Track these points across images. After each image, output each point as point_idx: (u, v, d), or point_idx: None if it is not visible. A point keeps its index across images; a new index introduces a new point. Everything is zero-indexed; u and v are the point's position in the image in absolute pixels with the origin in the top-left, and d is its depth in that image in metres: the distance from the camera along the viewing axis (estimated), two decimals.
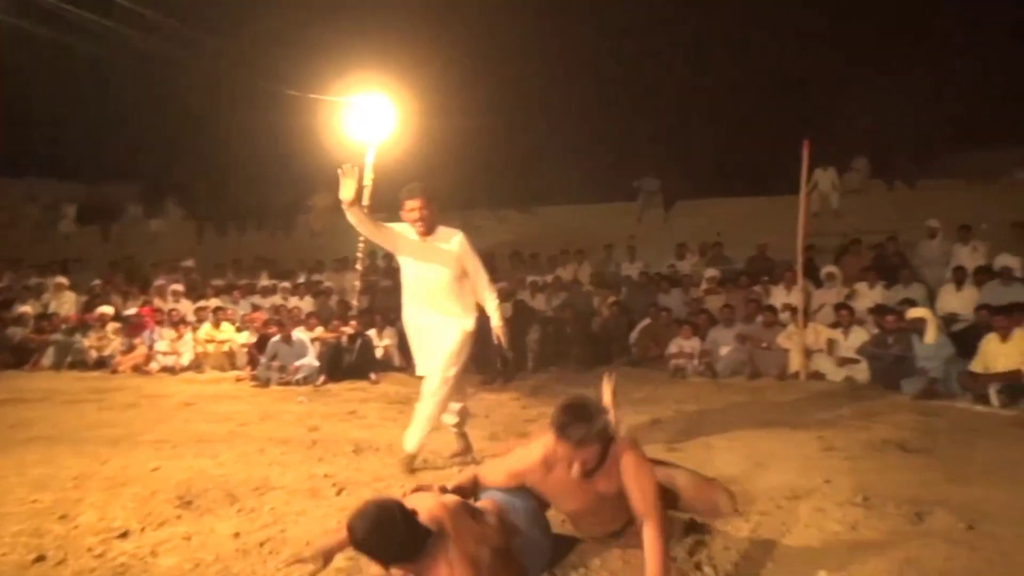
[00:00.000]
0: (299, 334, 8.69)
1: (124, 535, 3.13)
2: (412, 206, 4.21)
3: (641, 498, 2.62)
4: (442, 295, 4.31)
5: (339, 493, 3.78)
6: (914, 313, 7.03)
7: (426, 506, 2.43)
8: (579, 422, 2.58)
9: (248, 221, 17.63)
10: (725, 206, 14.69)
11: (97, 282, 12.46)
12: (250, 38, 12.81)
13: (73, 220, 18.04)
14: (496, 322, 4.41)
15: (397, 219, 4.35)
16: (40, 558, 2.87)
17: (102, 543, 3.04)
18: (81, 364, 9.77)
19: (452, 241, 4.32)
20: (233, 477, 4.03)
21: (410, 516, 2.32)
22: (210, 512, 3.43)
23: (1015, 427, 5.42)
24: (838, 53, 16.46)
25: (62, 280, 11.98)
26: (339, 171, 4.16)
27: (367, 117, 9.74)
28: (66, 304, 11.59)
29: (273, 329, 9.01)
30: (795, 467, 4.36)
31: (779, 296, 9.42)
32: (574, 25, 16.05)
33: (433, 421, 4.33)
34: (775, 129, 16.11)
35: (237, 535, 3.13)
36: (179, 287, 11.64)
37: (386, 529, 2.25)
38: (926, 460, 4.55)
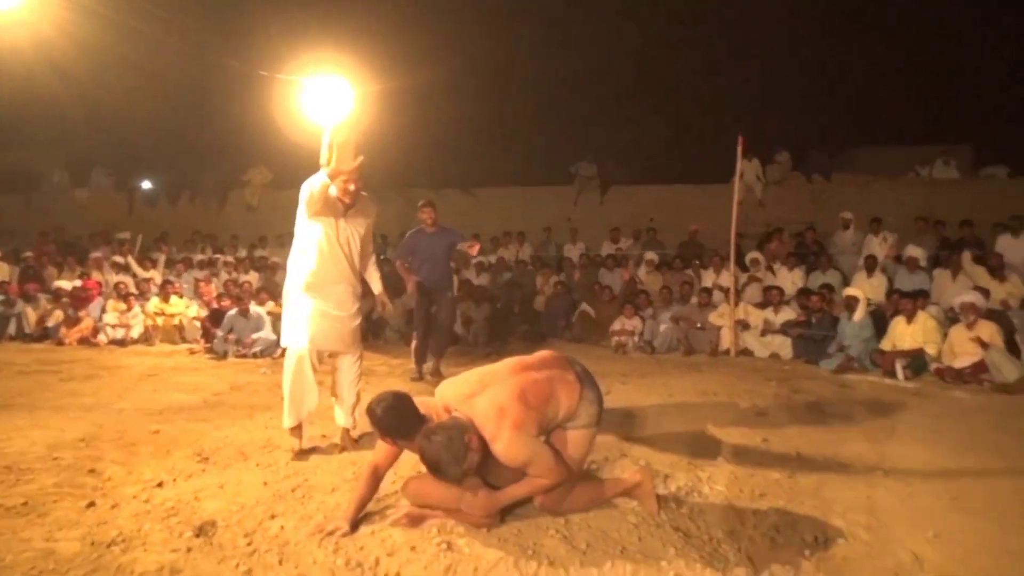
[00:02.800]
0: (255, 308, 8.86)
1: (160, 485, 3.42)
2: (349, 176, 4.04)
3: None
4: (354, 267, 4.20)
5: (341, 451, 4.13)
6: (850, 292, 7.81)
7: (427, 402, 3.15)
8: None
9: (181, 193, 17.30)
10: (657, 193, 15.42)
11: (29, 253, 12.15)
12: (193, 8, 12.60)
13: None
14: (379, 289, 4.56)
15: None
16: (91, 504, 3.15)
17: (143, 491, 3.33)
18: (21, 336, 9.66)
19: (371, 211, 4.31)
20: (237, 438, 4.32)
21: (414, 404, 3.03)
22: (231, 466, 3.74)
23: (917, 397, 6.23)
24: (764, 49, 17.43)
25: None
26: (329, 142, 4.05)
27: (324, 99, 9.97)
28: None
29: (228, 303, 9.14)
30: (733, 430, 4.96)
31: (709, 279, 10.15)
32: (516, 12, 16.39)
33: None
34: (705, 122, 17.01)
35: (266, 484, 3.46)
36: (120, 259, 11.52)
37: (397, 409, 2.98)
38: (844, 423, 5.23)
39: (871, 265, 9.15)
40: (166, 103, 16.18)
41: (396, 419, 2.96)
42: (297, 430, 4.02)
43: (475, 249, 6.71)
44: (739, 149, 8.84)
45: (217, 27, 13.42)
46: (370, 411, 2.99)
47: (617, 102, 17.63)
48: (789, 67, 17.52)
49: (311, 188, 3.94)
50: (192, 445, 4.15)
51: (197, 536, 2.83)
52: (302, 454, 3.94)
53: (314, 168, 4.56)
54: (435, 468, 2.81)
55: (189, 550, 2.69)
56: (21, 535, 2.81)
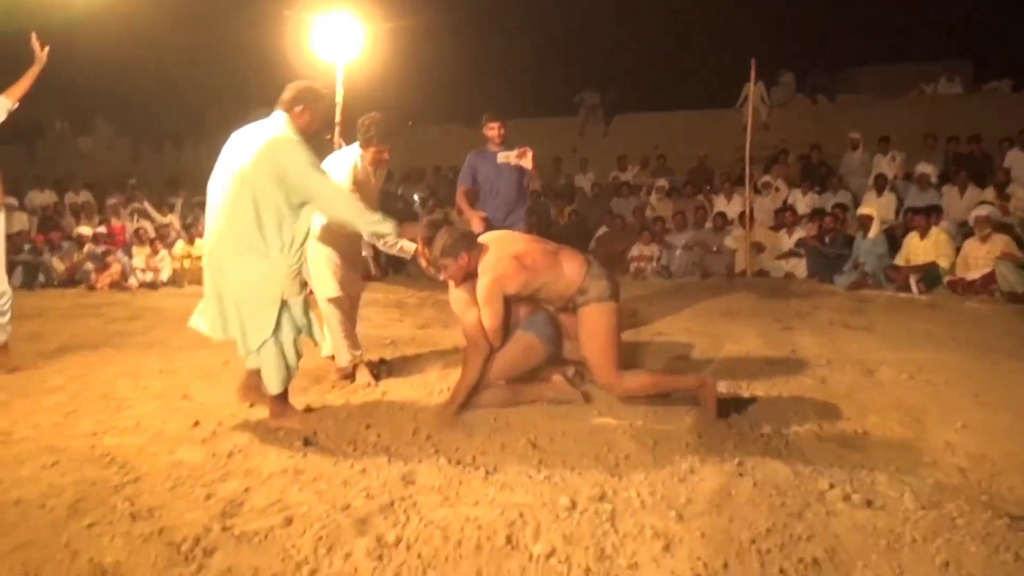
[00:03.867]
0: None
1: (252, 405, 3.70)
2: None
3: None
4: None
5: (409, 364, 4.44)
6: (864, 210, 8.06)
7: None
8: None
9: (185, 138, 17.28)
10: (662, 120, 15.47)
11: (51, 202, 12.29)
12: None
13: None
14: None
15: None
16: (196, 423, 3.44)
17: (239, 412, 3.62)
18: (50, 284, 9.89)
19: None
20: (304, 366, 4.57)
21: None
22: (309, 390, 4.04)
23: (931, 308, 6.56)
24: None
25: (12, 201, 11.74)
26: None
27: (334, 37, 9.91)
28: (18, 225, 11.44)
29: None
30: (761, 343, 5.27)
31: (720, 204, 10.37)
32: None
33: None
34: (707, 45, 16.89)
35: (348, 402, 3.78)
36: (139, 205, 11.66)
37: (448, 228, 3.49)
38: (866, 334, 5.55)
39: (881, 184, 9.35)
40: (167, 47, 16.01)
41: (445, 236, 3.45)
42: (359, 364, 4.25)
43: (527, 159, 5.46)
44: (752, 72, 8.94)
45: None
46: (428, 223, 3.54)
47: (618, 29, 17.45)
48: None
49: (344, 185, 3.84)
50: None
51: (305, 444, 3.13)
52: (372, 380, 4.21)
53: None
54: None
55: (304, 455, 2.99)
56: (146, 450, 3.11)
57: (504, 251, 3.44)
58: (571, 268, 3.45)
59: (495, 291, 3.38)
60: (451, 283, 3.55)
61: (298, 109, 3.31)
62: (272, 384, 3.34)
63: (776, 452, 3.08)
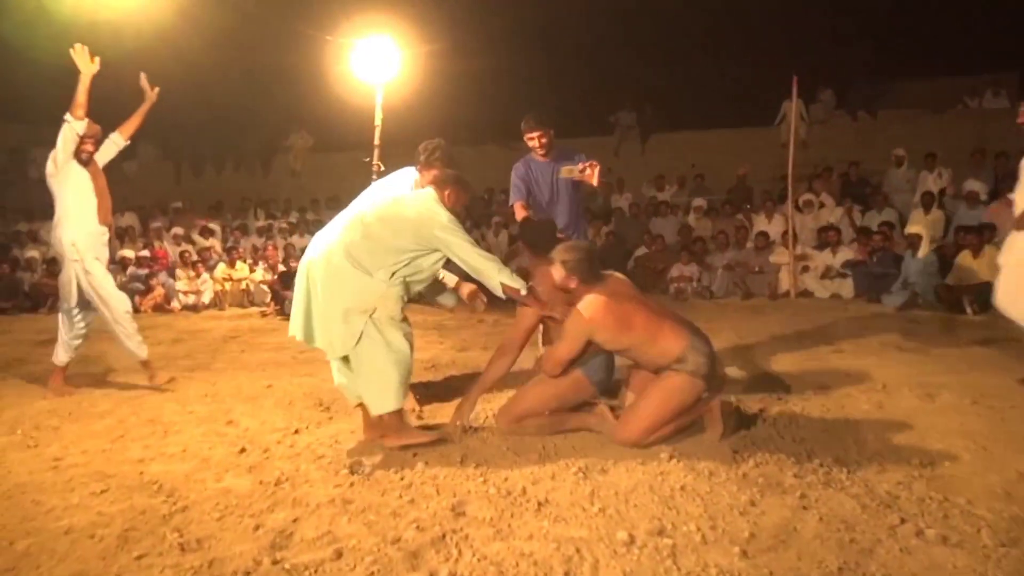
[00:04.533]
0: None
1: (297, 432, 3.69)
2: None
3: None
4: None
5: (450, 388, 4.39)
6: (912, 229, 7.85)
7: None
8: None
9: (225, 161, 17.59)
10: (699, 138, 15.34)
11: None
12: None
13: (42, 164, 17.62)
14: None
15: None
16: (243, 450, 3.42)
17: (284, 438, 3.60)
18: None
19: None
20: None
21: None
22: (354, 414, 3.96)
23: (988, 329, 6.31)
24: None
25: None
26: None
27: (373, 59, 10.02)
28: None
29: (295, 264, 9.42)
30: (811, 365, 5.12)
31: (761, 223, 10.19)
32: None
33: None
34: (743, 63, 16.73)
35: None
36: (179, 230, 11.86)
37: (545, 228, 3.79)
38: (921, 357, 5.36)
39: (928, 202, 9.12)
40: (208, 70, 16.33)
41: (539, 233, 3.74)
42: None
43: (593, 173, 4.54)
44: (794, 89, 8.82)
45: None
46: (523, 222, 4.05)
47: (654, 49, 17.39)
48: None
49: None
50: (309, 397, 4.42)
51: (352, 473, 3.08)
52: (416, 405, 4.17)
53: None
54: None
55: (351, 485, 2.95)
56: (194, 477, 3.10)
57: (611, 299, 3.42)
58: (670, 342, 3.38)
59: (582, 331, 3.37)
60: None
61: (447, 192, 3.50)
62: (379, 402, 3.34)
63: (839, 483, 2.95)
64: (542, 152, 4.75)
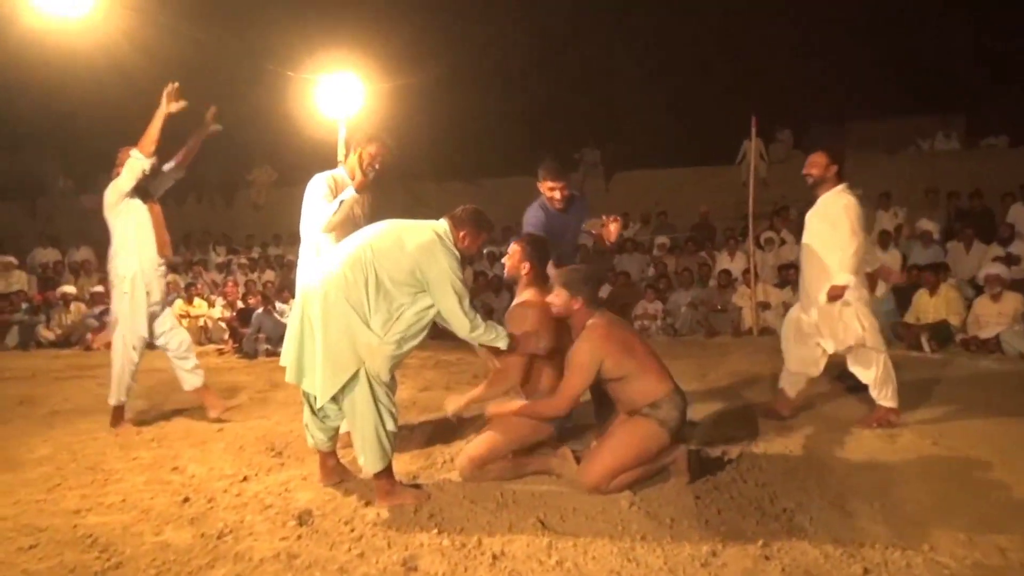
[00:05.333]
0: (281, 305, 8.95)
1: (245, 479, 3.53)
2: None
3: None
4: None
5: (411, 431, 4.26)
6: (869, 268, 7.91)
7: None
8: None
9: (187, 194, 17.31)
10: (662, 176, 15.53)
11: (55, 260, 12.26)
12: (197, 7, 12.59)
13: None
14: None
15: None
16: (186, 499, 3.26)
17: (231, 486, 3.44)
18: (43, 343, 9.73)
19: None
20: (301, 432, 4.42)
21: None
22: (306, 459, 3.84)
23: (945, 367, 6.39)
24: (760, 27, 17.46)
25: (10, 259, 11.68)
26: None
27: (336, 95, 9.97)
28: (16, 283, 11.36)
29: (253, 301, 9.23)
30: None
31: (723, 261, 10.29)
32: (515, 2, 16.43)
33: None
34: (704, 103, 17.07)
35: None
36: None
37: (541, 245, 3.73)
38: None
39: (885, 240, 9.29)
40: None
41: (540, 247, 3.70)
42: None
43: (613, 229, 4.37)
44: (752, 129, 8.98)
45: (220, 24, 13.41)
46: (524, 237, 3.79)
47: (617, 87, 17.69)
48: (785, 43, 17.57)
49: (337, 210, 3.85)
50: (261, 441, 4.26)
51: (300, 524, 2.94)
52: None
53: (319, 166, 4.44)
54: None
55: (299, 537, 2.81)
56: (132, 530, 2.93)
57: (613, 323, 3.43)
58: (654, 382, 3.38)
59: (595, 356, 3.32)
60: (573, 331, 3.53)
61: (462, 233, 3.39)
62: (373, 462, 3.17)
63: (801, 530, 2.90)
64: (561, 204, 4.29)
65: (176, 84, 4.62)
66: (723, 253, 10.42)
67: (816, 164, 4.47)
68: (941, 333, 7.01)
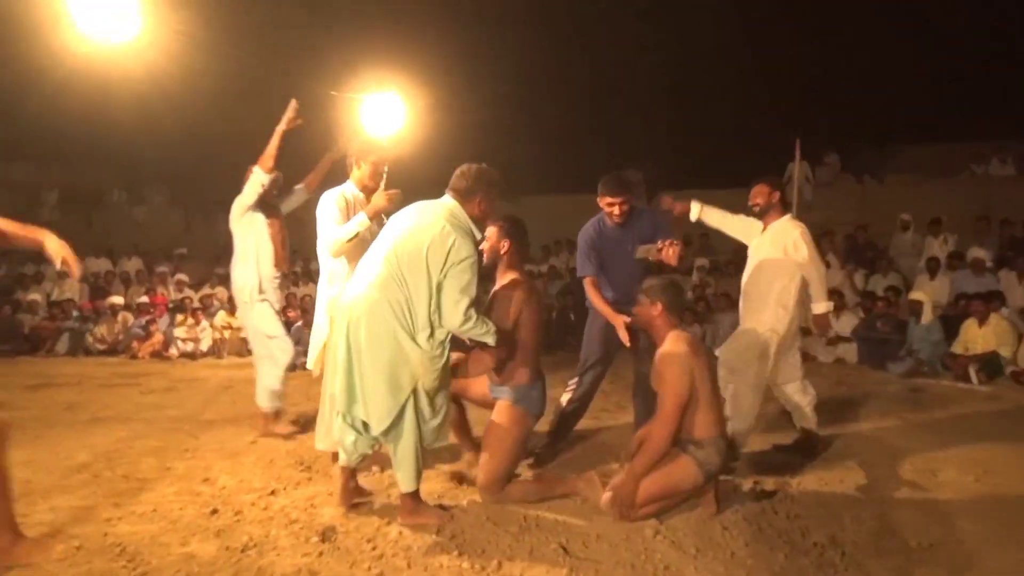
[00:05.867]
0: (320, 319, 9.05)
1: (273, 493, 3.57)
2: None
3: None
4: None
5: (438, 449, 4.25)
6: (915, 296, 7.74)
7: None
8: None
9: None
10: (704, 198, 15.32)
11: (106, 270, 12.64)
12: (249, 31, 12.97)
13: (55, 206, 17.89)
14: None
15: None
16: (214, 511, 3.31)
17: (259, 499, 3.48)
18: (92, 351, 10.02)
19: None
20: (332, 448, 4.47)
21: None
22: (334, 476, 3.88)
23: (993, 400, 6.16)
24: (809, 49, 17.25)
25: (65, 267, 12.06)
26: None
27: (379, 113, 10.15)
28: (69, 291, 11.74)
29: (293, 314, 9.37)
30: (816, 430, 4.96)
31: None
32: (561, 18, 16.53)
33: None
34: (750, 123, 16.91)
35: (374, 492, 3.59)
36: (184, 276, 11.88)
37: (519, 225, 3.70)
38: (924, 429, 5.20)
39: (933, 267, 9.03)
40: (216, 119, 16.64)
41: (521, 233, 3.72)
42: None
43: (673, 253, 3.96)
44: (796, 152, 8.85)
45: (262, 45, 13.75)
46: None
47: (663, 106, 17.63)
48: (836, 64, 17.32)
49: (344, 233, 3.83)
50: (291, 455, 4.31)
51: (323, 541, 2.96)
52: None
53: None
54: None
55: (320, 554, 2.82)
56: (159, 540, 2.98)
57: (701, 344, 3.46)
58: (710, 420, 3.29)
59: (686, 365, 3.24)
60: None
61: (477, 199, 3.30)
62: (408, 481, 3.16)
63: (831, 566, 2.82)
64: (620, 219, 4.19)
65: (296, 103, 4.72)
66: None
67: (760, 194, 4.43)
68: (990, 365, 6.76)
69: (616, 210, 4.17)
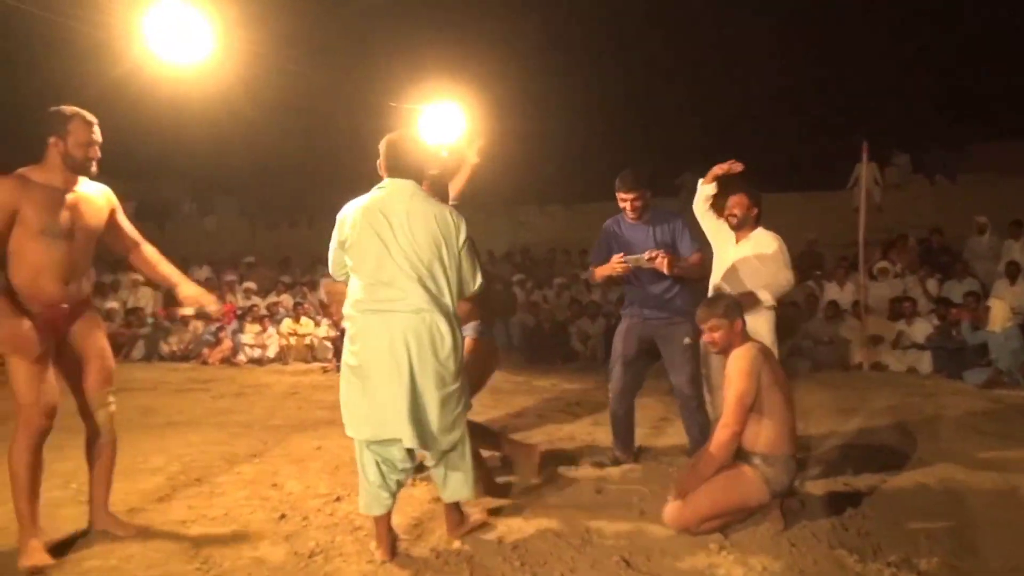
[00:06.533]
0: None
1: (338, 499, 3.65)
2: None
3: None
4: None
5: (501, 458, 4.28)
6: (995, 301, 7.43)
7: None
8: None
9: (299, 218, 18.22)
10: (767, 202, 15.02)
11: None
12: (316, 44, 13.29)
13: (131, 217, 18.61)
14: None
15: None
16: (283, 516, 3.40)
17: (325, 505, 3.56)
18: (165, 357, 10.41)
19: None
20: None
21: None
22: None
23: None
24: (875, 49, 16.76)
25: (138, 277, 12.58)
26: None
27: (439, 122, 10.27)
28: (143, 299, 12.22)
29: None
30: (881, 448, 4.80)
31: (832, 291, 9.82)
32: (622, 22, 16.47)
33: None
34: (815, 126, 16.50)
35: (436, 500, 3.62)
36: (251, 284, 12.24)
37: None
38: (1004, 442, 4.97)
39: (1013, 272, 8.63)
40: (283, 135, 17.14)
41: None
42: None
43: (663, 263, 3.98)
44: (863, 154, 8.61)
45: (329, 62, 14.09)
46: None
47: (722, 110, 17.37)
48: (903, 63, 16.78)
49: None
50: (355, 462, 4.37)
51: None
52: None
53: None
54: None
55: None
56: (231, 543, 3.08)
57: (772, 354, 3.40)
58: (784, 437, 3.22)
59: (756, 365, 3.18)
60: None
61: (432, 173, 3.37)
62: (469, 487, 3.03)
63: None
64: (634, 216, 4.23)
65: (481, 139, 4.63)
66: (831, 283, 9.96)
67: (739, 205, 4.42)
68: None
69: (629, 206, 4.20)
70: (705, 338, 3.48)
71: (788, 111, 16.68)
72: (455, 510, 3.13)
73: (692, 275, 4.21)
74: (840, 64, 16.68)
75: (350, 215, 3.00)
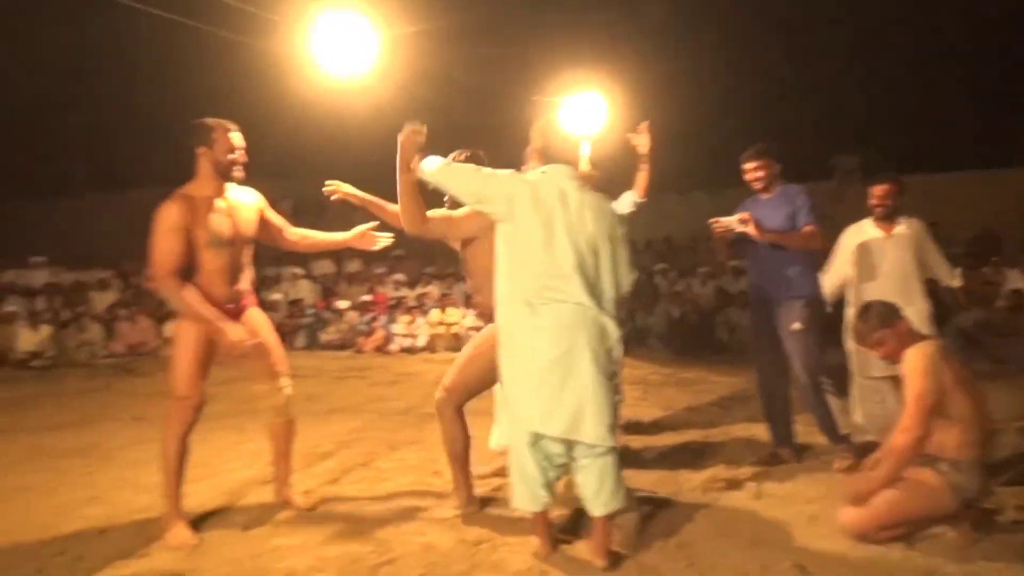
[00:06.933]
0: None
1: (498, 488, 3.74)
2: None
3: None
4: None
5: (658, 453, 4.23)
6: None
7: None
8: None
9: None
10: (932, 183, 13.91)
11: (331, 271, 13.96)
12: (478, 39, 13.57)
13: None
14: None
15: None
16: (447, 503, 3.53)
17: (485, 494, 3.66)
18: (324, 346, 11.07)
19: None
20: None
21: None
22: None
23: None
24: None
25: (297, 270, 13.46)
26: None
27: (581, 113, 10.21)
28: (303, 291, 13.04)
29: None
30: None
31: (1015, 279, 8.95)
32: (765, 9, 15.74)
33: None
34: (986, 98, 15.03)
35: None
36: (401, 276, 12.76)
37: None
38: None
39: None
40: (432, 133, 17.69)
41: None
42: None
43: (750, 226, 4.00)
44: None
45: (477, 63, 14.35)
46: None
47: (878, 86, 16.20)
48: None
49: None
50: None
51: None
52: None
53: None
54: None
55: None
56: (400, 528, 3.22)
57: (952, 353, 3.13)
58: (974, 442, 2.98)
59: (936, 363, 2.97)
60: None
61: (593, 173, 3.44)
62: (620, 495, 2.81)
63: None
64: (760, 187, 4.19)
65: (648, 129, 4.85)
66: (1014, 270, 9.06)
67: (890, 194, 4.53)
68: None
69: (752, 176, 4.22)
70: (879, 355, 3.25)
71: (959, 79, 15.28)
72: (606, 525, 2.84)
73: (793, 244, 4.03)
74: (1006, 36, 15.07)
75: (520, 189, 2.82)
